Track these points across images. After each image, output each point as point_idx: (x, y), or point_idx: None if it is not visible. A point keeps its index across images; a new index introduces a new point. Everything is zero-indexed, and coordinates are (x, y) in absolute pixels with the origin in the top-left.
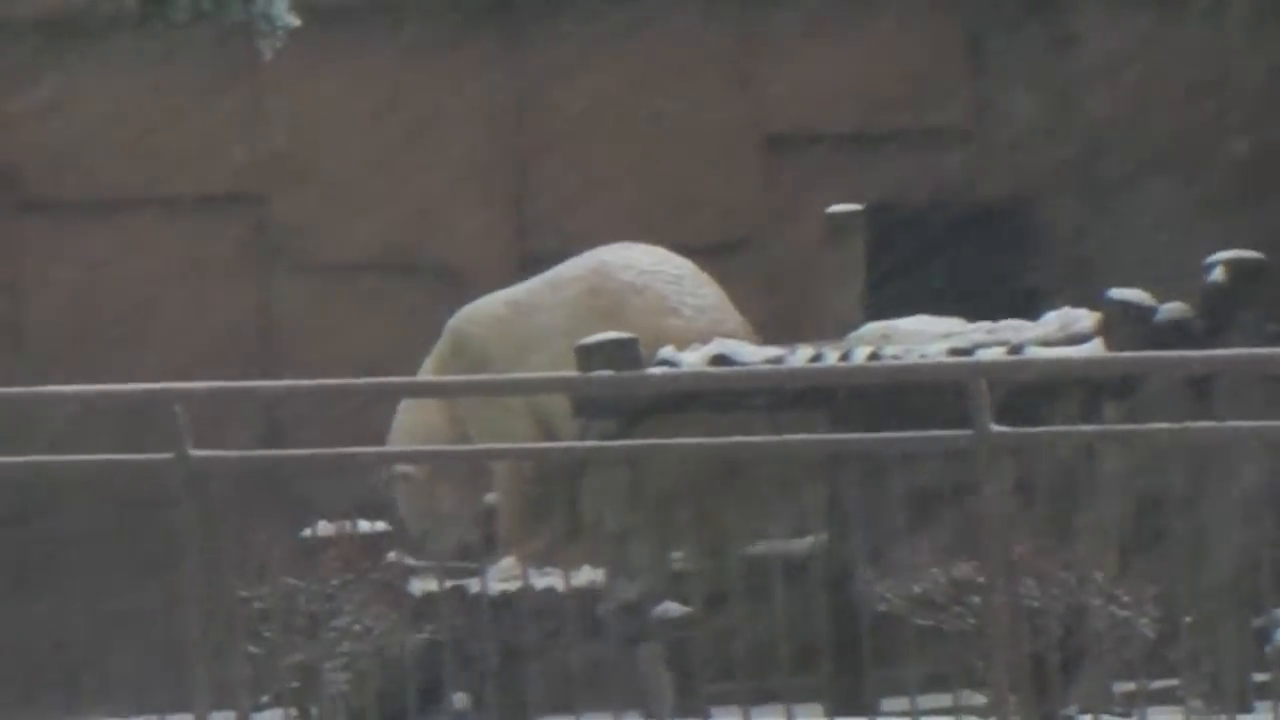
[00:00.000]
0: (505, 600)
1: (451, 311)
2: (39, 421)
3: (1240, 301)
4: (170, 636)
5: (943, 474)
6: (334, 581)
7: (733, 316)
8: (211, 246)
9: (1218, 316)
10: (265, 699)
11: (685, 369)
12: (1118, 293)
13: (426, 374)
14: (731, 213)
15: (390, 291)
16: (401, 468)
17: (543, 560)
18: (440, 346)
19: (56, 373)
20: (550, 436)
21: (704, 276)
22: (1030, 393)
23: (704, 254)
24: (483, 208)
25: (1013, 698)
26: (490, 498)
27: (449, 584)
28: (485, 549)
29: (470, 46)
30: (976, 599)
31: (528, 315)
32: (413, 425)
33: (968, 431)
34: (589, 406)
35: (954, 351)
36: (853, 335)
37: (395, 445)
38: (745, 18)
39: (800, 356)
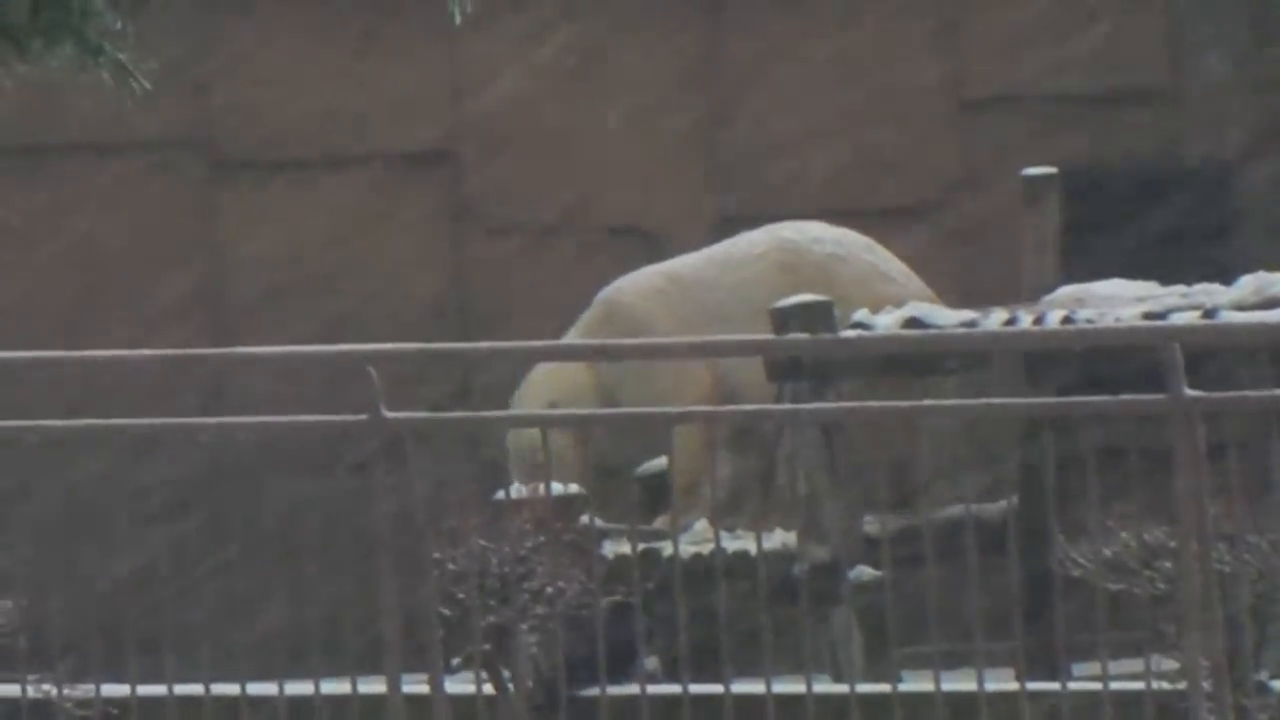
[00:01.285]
0: (697, 563)
1: None
2: (235, 383)
3: None
4: (362, 599)
5: (1135, 437)
6: (526, 544)
7: (923, 286)
8: (405, 208)
9: None
10: (456, 661)
11: (879, 332)
12: None
13: None
14: (925, 175)
15: (583, 253)
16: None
17: (727, 519)
18: (587, 317)
19: (251, 334)
20: (734, 404)
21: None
22: (1223, 357)
23: (896, 216)
24: (676, 169)
25: (1204, 663)
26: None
27: (641, 547)
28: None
29: (664, 5)
30: (1168, 564)
31: (694, 292)
32: (545, 391)
33: (1162, 395)
34: (783, 370)
35: (1148, 315)
36: (1047, 298)
37: (523, 408)
38: None
39: (994, 319)
